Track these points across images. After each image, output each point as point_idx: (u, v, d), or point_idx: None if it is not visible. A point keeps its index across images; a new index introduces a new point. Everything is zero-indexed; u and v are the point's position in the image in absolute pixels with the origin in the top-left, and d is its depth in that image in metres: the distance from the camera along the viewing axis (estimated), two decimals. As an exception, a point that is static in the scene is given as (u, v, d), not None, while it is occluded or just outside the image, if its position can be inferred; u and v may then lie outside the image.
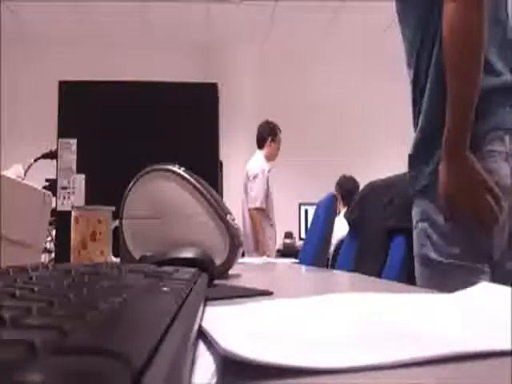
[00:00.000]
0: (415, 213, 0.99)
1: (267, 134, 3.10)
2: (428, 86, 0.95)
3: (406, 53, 1.05)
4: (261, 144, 3.12)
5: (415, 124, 1.01)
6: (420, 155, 0.96)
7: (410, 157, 0.99)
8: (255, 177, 2.98)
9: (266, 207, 3.00)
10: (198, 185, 0.68)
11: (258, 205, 2.96)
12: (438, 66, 0.92)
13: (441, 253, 0.92)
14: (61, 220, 0.99)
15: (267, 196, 3.00)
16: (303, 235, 4.41)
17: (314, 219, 2.30)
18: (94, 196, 1.00)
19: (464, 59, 0.85)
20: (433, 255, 0.93)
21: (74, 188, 1.00)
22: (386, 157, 4.78)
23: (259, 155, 3.10)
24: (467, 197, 0.88)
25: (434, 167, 0.91)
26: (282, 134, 3.18)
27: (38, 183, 0.90)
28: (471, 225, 0.89)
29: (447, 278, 0.91)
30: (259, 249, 2.93)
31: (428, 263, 0.94)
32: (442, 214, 0.92)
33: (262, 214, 2.99)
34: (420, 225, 0.96)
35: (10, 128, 4.66)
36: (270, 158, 3.11)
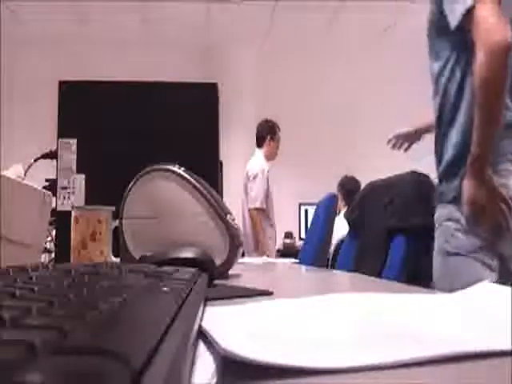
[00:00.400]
0: (440, 215, 1.17)
1: (266, 133, 3.08)
2: (459, 119, 1.13)
3: (433, 81, 1.21)
4: (260, 143, 3.10)
5: (438, 146, 1.19)
6: (448, 175, 1.15)
7: (441, 176, 1.18)
8: (255, 177, 2.97)
9: (266, 207, 2.99)
10: (198, 185, 0.68)
11: (258, 205, 2.95)
12: (468, 104, 1.11)
13: (462, 247, 1.10)
14: (61, 220, 0.99)
15: (267, 196, 2.99)
16: (303, 235, 4.41)
17: (314, 219, 2.30)
18: (93, 196, 1.00)
19: (493, 104, 1.05)
20: (454, 249, 1.11)
21: (73, 188, 1.00)
22: (386, 157, 4.78)
23: (259, 154, 3.09)
24: (487, 205, 1.07)
25: (459, 183, 1.11)
26: (282, 133, 3.18)
27: (38, 183, 0.90)
28: (489, 227, 1.09)
29: (464, 269, 1.09)
30: (259, 249, 2.93)
31: (449, 255, 1.12)
32: (465, 217, 1.11)
33: (262, 215, 2.97)
34: (445, 224, 1.14)
35: (9, 128, 4.66)
36: (269, 157, 3.09)
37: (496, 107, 1.04)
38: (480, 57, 1.02)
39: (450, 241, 1.12)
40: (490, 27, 1.01)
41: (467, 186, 1.08)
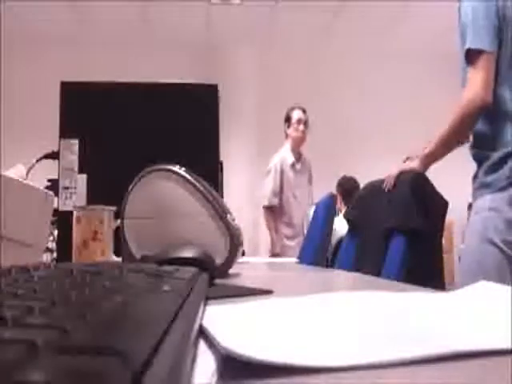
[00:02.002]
0: (484, 201, 1.27)
1: (285, 121, 2.98)
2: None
3: None
4: (285, 134, 2.99)
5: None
6: (496, 168, 1.26)
7: (488, 169, 1.29)
8: (268, 173, 2.86)
9: (278, 204, 2.84)
10: (198, 185, 0.68)
11: (266, 203, 2.82)
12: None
13: (499, 237, 1.20)
14: (62, 220, 0.99)
15: (281, 192, 2.84)
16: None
17: (313, 219, 2.30)
18: (95, 196, 1.00)
19: (453, 137, 1.29)
20: (493, 237, 1.21)
21: (75, 188, 1.00)
22: (385, 157, 4.77)
23: (285, 146, 2.97)
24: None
25: (509, 173, 1.24)
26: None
27: (40, 183, 0.91)
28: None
29: (493, 258, 1.20)
30: (272, 249, 2.80)
31: (486, 241, 1.22)
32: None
33: (273, 213, 2.83)
34: (488, 212, 1.24)
35: (11, 128, 4.66)
36: (295, 144, 2.93)
37: (457, 136, 1.28)
38: (465, 98, 1.21)
39: (490, 229, 1.22)
40: (478, 84, 1.20)
41: (415, 164, 1.33)
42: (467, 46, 1.21)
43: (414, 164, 1.34)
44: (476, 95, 1.20)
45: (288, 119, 2.98)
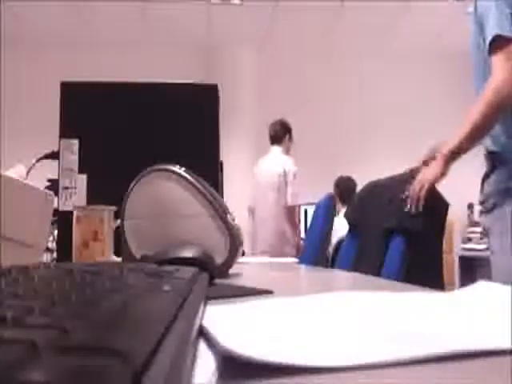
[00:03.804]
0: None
1: (285, 131, 3.07)
2: None
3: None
4: (278, 140, 3.06)
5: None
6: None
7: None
8: (295, 174, 2.94)
9: None
10: (198, 185, 0.68)
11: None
12: None
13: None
14: (63, 220, 0.99)
15: None
16: (303, 235, 4.41)
17: (313, 219, 2.30)
18: (95, 196, 1.00)
19: (486, 124, 1.20)
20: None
21: (75, 188, 1.00)
22: (386, 157, 4.78)
23: (279, 150, 3.04)
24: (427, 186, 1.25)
25: None
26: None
27: (40, 183, 0.91)
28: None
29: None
30: (298, 250, 2.83)
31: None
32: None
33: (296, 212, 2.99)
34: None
35: (12, 129, 4.66)
36: (288, 153, 3.09)
37: (487, 127, 1.20)
38: (495, 79, 1.17)
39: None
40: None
41: (437, 167, 1.24)
42: (495, 32, 1.17)
43: (436, 169, 1.24)
44: (505, 82, 1.15)
45: (290, 131, 3.09)
